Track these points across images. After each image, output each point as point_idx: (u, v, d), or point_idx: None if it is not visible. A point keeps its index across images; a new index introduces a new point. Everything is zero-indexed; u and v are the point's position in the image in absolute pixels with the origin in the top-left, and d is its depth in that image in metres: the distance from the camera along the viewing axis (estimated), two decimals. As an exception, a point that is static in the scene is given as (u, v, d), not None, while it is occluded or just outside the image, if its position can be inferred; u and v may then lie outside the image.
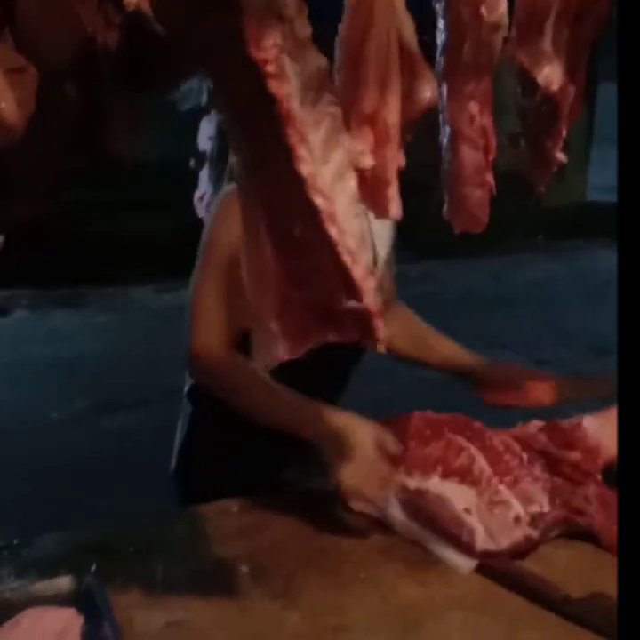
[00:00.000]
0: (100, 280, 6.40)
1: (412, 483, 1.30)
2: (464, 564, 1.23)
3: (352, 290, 0.87)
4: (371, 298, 0.87)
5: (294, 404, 1.39)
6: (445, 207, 1.14)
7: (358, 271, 0.87)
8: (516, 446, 1.37)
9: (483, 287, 6.95)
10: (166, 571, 1.21)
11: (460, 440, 1.35)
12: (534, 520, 1.27)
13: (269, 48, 0.79)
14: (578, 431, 1.42)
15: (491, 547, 1.22)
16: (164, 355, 4.97)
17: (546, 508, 1.29)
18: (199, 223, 1.70)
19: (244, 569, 1.22)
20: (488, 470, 1.30)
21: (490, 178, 1.10)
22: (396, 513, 1.30)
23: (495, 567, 1.22)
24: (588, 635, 1.09)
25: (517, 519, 1.26)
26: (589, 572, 1.25)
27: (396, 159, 0.97)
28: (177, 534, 1.33)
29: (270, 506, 1.40)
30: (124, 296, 6.45)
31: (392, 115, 0.94)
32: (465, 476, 1.30)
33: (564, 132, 1.12)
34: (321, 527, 1.34)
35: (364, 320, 0.88)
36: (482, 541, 1.23)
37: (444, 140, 1.10)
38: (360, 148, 0.94)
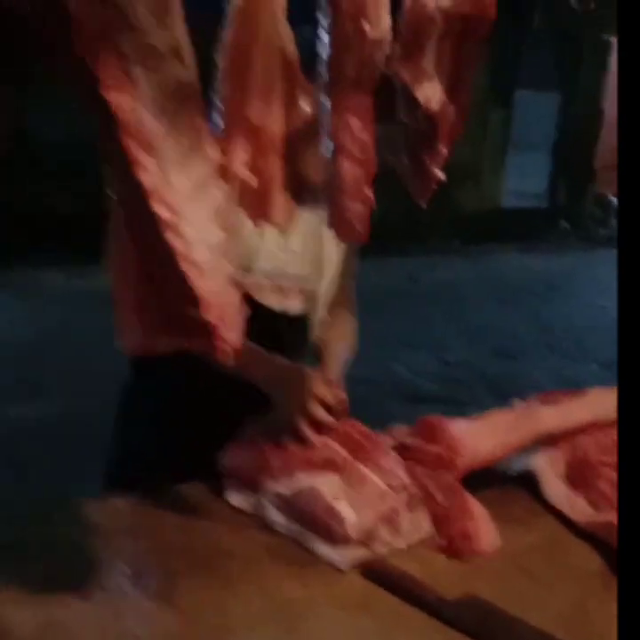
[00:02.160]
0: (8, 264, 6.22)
1: (282, 487, 1.35)
2: (341, 558, 1.27)
3: (195, 301, 0.88)
4: (215, 310, 0.89)
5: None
6: (327, 218, 1.16)
7: (204, 283, 0.88)
8: (372, 433, 1.46)
9: (397, 288, 7.07)
10: (45, 569, 1.19)
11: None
12: (395, 490, 1.35)
13: (105, 58, 0.79)
14: (445, 430, 1.48)
15: (362, 534, 1.28)
16: (75, 341, 4.90)
17: (406, 480, 1.37)
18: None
19: (126, 568, 1.21)
20: (348, 456, 1.38)
21: (369, 192, 1.12)
22: (275, 516, 1.34)
23: (375, 568, 1.25)
24: (459, 636, 1.13)
25: (379, 493, 1.34)
26: (465, 575, 1.29)
27: (280, 168, 0.98)
28: (60, 532, 1.31)
29: (157, 504, 1.39)
30: (35, 280, 6.28)
31: (276, 125, 0.96)
32: (328, 466, 1.37)
33: (444, 150, 1.14)
34: (206, 527, 1.34)
35: (208, 331, 0.90)
36: (353, 528, 1.27)
37: (327, 154, 1.10)
38: (242, 157, 0.94)
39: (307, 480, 1.35)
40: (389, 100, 1.12)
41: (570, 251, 9.90)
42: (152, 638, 1.07)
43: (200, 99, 0.90)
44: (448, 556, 1.33)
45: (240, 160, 0.95)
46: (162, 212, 0.85)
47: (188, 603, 1.15)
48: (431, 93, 1.09)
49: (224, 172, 0.94)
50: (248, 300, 1.56)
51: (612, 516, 1.36)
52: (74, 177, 6.38)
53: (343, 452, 1.39)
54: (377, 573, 1.25)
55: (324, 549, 1.28)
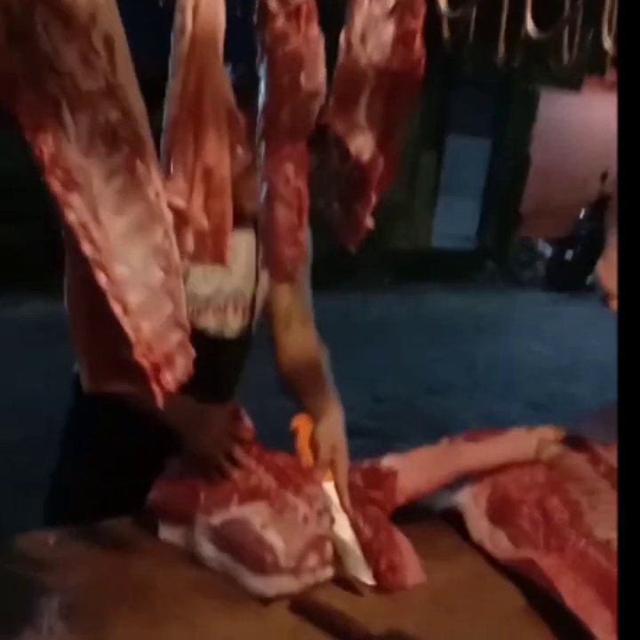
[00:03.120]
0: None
1: (215, 519, 1.36)
2: (268, 588, 1.29)
3: (125, 341, 0.89)
4: (144, 350, 0.90)
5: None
6: (262, 260, 1.20)
7: (130, 322, 0.88)
8: (296, 462, 1.49)
9: (329, 322, 7.12)
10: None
11: (249, 464, 1.44)
12: (320, 515, 1.39)
13: (28, 101, 0.81)
14: (387, 472, 1.53)
15: (291, 562, 1.30)
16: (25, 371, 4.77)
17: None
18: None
19: (54, 605, 1.20)
20: (274, 484, 1.41)
21: (302, 237, 1.15)
22: (207, 550, 1.35)
23: (303, 603, 1.27)
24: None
25: (305, 518, 1.37)
26: (390, 610, 1.32)
27: (230, 210, 1.01)
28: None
29: (87, 539, 1.38)
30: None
31: (225, 168, 0.98)
32: (256, 494, 1.39)
33: (374, 199, 1.17)
34: (136, 562, 1.34)
35: (141, 372, 0.91)
36: (283, 555, 1.30)
37: (261, 198, 1.14)
38: (199, 201, 0.97)
39: (236, 511, 1.37)
40: (322, 148, 1.16)
41: (496, 292, 10.17)
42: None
43: (141, 139, 0.91)
44: (375, 591, 1.36)
45: (198, 205, 0.98)
46: (88, 250, 0.86)
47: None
48: (363, 145, 1.12)
49: (180, 216, 0.96)
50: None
51: (530, 553, 1.42)
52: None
53: (268, 480, 1.41)
54: (305, 608, 1.26)
55: (252, 580, 1.30)
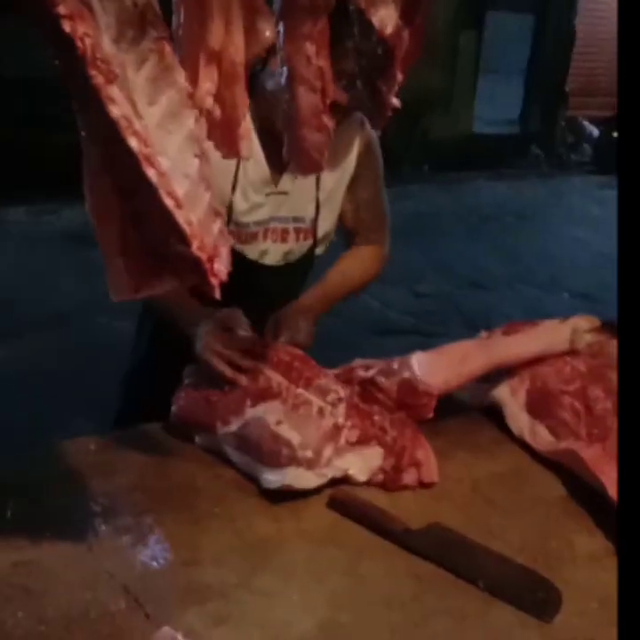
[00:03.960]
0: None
1: (233, 426, 1.37)
2: (286, 479, 1.28)
3: (178, 234, 0.86)
4: (199, 243, 0.86)
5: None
6: (285, 149, 1.14)
7: (183, 215, 0.85)
8: (305, 356, 1.48)
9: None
10: (16, 511, 1.20)
11: (255, 367, 1.43)
12: (335, 405, 1.38)
13: None
14: (403, 366, 1.48)
15: (308, 453, 1.30)
16: (40, 284, 4.84)
17: (342, 394, 1.40)
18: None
19: (96, 508, 1.22)
20: (284, 381, 1.40)
21: (328, 120, 1.09)
22: (233, 456, 1.36)
23: (340, 500, 1.28)
24: (424, 563, 1.16)
25: (320, 411, 1.36)
26: (429, 504, 1.32)
27: (244, 98, 0.95)
28: (31, 474, 1.32)
29: (127, 443, 1.40)
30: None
31: (238, 53, 0.92)
32: (267, 394, 1.39)
33: (399, 77, 1.11)
34: (175, 465, 1.36)
35: (196, 265, 0.88)
36: (300, 450, 1.30)
37: (282, 81, 1.07)
38: (206, 87, 0.91)
39: (251, 413, 1.37)
40: (344, 25, 1.09)
41: (542, 178, 9.87)
42: (126, 575, 1.09)
43: (162, 23, 0.86)
44: (393, 490, 1.35)
45: (206, 90, 0.92)
46: (135, 144, 0.82)
47: (159, 539, 1.18)
48: (386, 17, 1.05)
49: (192, 101, 0.91)
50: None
51: (572, 444, 1.40)
52: (35, 111, 6.19)
53: (277, 379, 1.40)
54: (342, 504, 1.27)
55: (270, 476, 1.29)
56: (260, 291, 1.62)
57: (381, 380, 1.46)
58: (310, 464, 1.29)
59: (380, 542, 1.21)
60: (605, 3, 10.32)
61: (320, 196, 1.69)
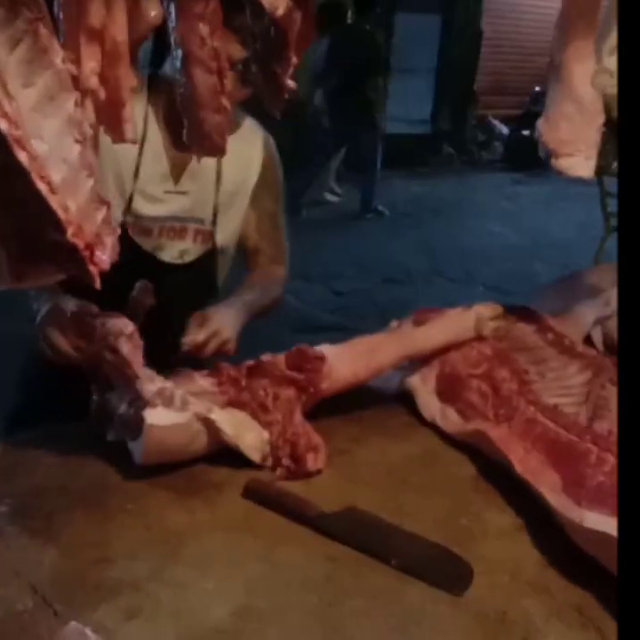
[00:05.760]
0: None
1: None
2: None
3: (53, 220, 0.84)
4: (75, 229, 0.85)
5: None
6: (185, 133, 1.13)
7: (58, 201, 0.83)
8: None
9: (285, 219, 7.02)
10: None
11: None
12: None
13: None
14: (314, 355, 1.48)
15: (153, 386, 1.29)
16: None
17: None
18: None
19: (3, 509, 1.19)
20: None
21: (225, 102, 1.08)
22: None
23: (255, 488, 1.28)
24: (339, 545, 1.17)
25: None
26: (344, 488, 1.33)
27: (128, 79, 0.93)
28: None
29: (33, 446, 1.37)
30: None
31: (120, 31, 0.90)
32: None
33: (294, 59, 1.11)
34: (85, 465, 1.34)
35: (72, 253, 0.86)
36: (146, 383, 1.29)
37: (177, 63, 1.06)
38: (90, 66, 0.89)
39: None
40: (235, 7, 1.08)
41: (454, 176, 10.07)
42: (33, 574, 1.06)
43: (38, 4, 0.84)
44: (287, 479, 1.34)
45: (90, 69, 0.90)
46: (4, 126, 0.79)
47: (69, 538, 1.15)
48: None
49: (75, 83, 0.89)
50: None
51: (480, 424, 1.43)
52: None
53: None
54: (257, 493, 1.27)
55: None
56: (157, 287, 1.60)
57: (275, 359, 1.45)
58: (165, 402, 1.27)
59: (296, 528, 1.21)
60: (510, 3, 10.62)
61: (220, 199, 1.68)
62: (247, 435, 1.34)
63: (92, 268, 0.89)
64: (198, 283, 1.74)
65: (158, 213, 1.64)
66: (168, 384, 1.30)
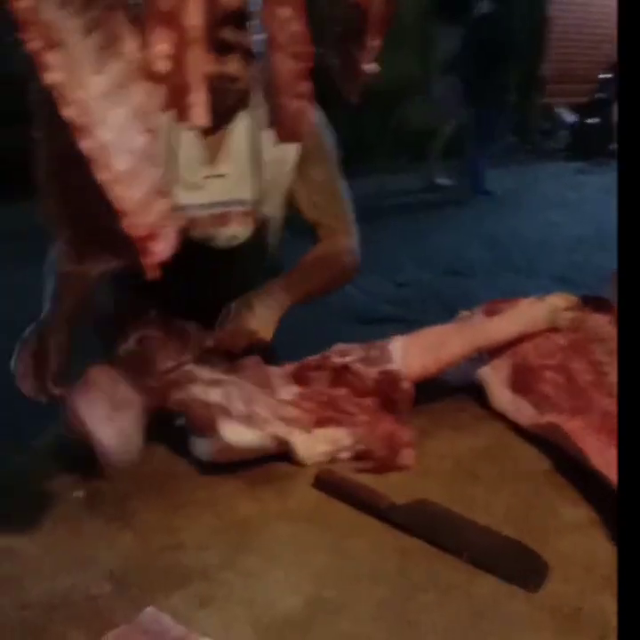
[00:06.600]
0: None
1: None
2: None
3: (111, 210, 0.83)
4: (133, 220, 0.84)
5: None
6: (269, 118, 1.11)
7: (119, 190, 0.83)
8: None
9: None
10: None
11: None
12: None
13: None
14: (382, 354, 1.48)
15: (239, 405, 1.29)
16: None
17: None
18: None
19: (79, 494, 1.21)
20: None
21: (306, 87, 1.06)
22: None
23: (326, 479, 1.27)
24: (409, 538, 1.16)
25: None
26: (414, 481, 1.31)
27: (200, 63, 0.92)
28: (14, 464, 1.31)
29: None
30: None
31: (193, 15, 0.89)
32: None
33: (374, 43, 1.08)
34: (156, 450, 1.35)
35: (129, 243, 0.86)
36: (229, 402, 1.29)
37: (260, 49, 1.05)
38: (159, 49, 0.88)
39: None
40: None
41: (518, 165, 9.90)
42: (109, 559, 1.08)
43: None
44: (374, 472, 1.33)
45: (158, 52, 0.89)
46: (71, 114, 0.79)
47: (142, 524, 1.16)
48: (357, -20, 1.02)
49: (145, 69, 0.88)
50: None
51: (554, 417, 1.39)
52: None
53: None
54: (327, 484, 1.26)
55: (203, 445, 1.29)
56: (206, 275, 1.60)
57: (358, 366, 1.45)
58: (246, 421, 1.27)
59: (366, 519, 1.20)
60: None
61: (260, 176, 1.65)
62: (316, 453, 1.35)
63: (149, 259, 0.89)
64: (246, 264, 1.72)
65: (202, 201, 1.63)
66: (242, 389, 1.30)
